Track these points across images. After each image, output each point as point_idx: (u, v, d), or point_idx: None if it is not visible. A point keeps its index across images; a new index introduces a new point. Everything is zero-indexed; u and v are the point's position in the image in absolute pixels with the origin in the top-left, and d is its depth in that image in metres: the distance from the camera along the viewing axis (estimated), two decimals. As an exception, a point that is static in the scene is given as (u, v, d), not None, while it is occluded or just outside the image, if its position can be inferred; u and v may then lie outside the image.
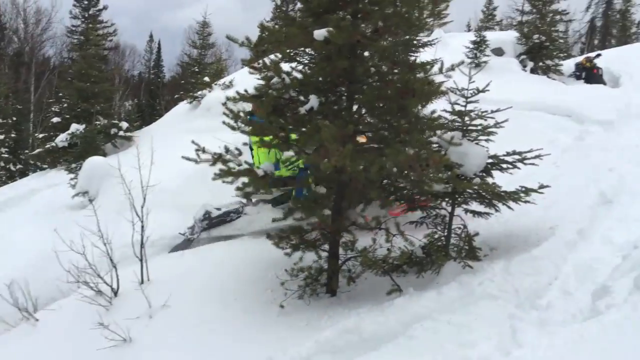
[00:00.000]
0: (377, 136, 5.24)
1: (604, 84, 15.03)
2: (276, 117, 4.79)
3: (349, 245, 5.31)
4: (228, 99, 5.11)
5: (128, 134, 16.80)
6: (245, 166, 4.95)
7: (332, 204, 5.29)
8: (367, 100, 5.03)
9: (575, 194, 7.16)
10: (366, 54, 5.12)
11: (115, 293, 5.85)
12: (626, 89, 13.39)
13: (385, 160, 4.37)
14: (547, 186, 5.68)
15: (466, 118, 5.52)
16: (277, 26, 6.66)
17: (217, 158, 5.05)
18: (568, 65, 16.84)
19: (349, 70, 4.90)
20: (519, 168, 5.61)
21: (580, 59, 17.03)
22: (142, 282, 5.92)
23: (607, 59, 16.10)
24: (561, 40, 18.33)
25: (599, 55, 16.42)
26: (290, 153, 5.21)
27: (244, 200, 6.76)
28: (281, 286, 5.40)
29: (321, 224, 5.20)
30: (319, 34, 4.41)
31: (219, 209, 7.06)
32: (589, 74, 15.60)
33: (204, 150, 5.16)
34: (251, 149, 6.74)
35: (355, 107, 5.20)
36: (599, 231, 6.12)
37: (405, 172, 4.67)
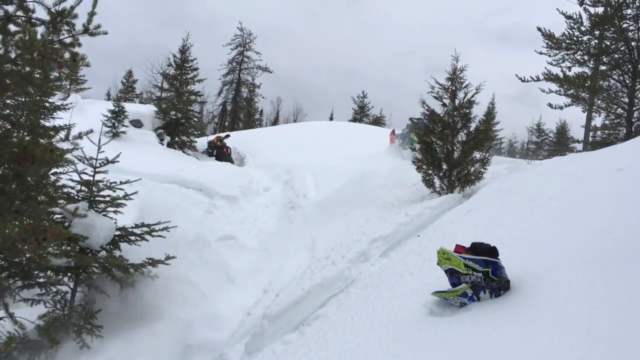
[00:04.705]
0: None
1: (232, 162, 16.57)
2: None
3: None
4: None
5: None
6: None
7: None
8: (-25, 163, 4.40)
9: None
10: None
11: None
12: (249, 167, 15.03)
13: (-5, 232, 3.86)
14: (173, 257, 5.86)
15: (94, 188, 5.35)
16: None
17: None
18: (202, 143, 18.05)
19: (-47, 127, 4.26)
20: (147, 240, 5.64)
21: (212, 137, 18.39)
22: None
23: (236, 140, 17.89)
24: (196, 119, 19.53)
25: (228, 135, 18.14)
26: None
27: None
28: None
29: None
30: None
31: None
32: (220, 152, 16.97)
33: None
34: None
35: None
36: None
37: (19, 245, 4.18)
